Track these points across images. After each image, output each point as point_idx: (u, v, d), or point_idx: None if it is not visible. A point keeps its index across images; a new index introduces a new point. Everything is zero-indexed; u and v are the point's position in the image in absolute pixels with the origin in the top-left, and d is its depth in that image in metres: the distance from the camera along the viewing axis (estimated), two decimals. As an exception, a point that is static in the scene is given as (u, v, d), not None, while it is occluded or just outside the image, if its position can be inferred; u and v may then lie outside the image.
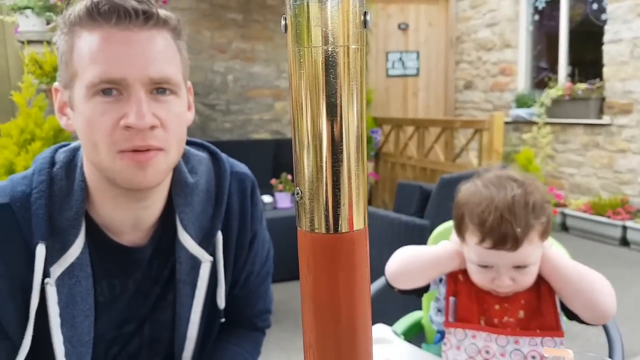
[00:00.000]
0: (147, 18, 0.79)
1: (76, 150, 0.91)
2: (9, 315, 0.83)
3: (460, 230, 1.08)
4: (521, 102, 5.87)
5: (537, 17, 5.89)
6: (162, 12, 0.81)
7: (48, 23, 3.43)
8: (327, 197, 0.43)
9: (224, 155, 1.03)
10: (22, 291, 0.83)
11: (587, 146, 5.26)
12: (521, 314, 1.06)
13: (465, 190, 1.09)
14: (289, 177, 3.96)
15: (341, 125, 0.43)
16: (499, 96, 6.26)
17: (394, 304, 2.12)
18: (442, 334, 1.20)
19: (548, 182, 5.56)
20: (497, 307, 1.07)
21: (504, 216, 0.98)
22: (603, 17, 5.08)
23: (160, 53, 0.80)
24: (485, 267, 1.04)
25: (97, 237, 0.89)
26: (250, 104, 5.68)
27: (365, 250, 0.46)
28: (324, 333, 0.45)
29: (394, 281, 1.17)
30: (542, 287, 1.07)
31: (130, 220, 0.91)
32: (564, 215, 5.14)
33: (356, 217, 0.45)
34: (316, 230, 0.44)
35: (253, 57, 5.65)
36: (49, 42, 3.21)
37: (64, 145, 0.93)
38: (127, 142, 0.78)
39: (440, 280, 1.17)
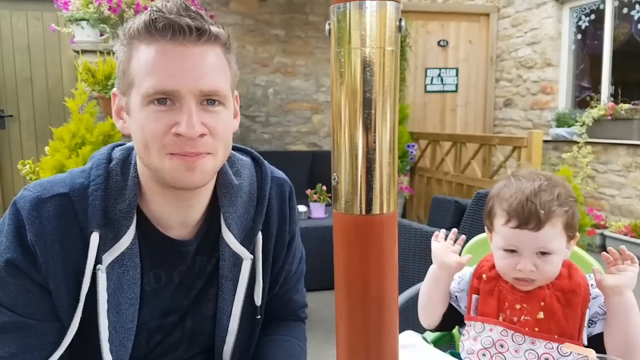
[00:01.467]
0: (200, 34, 0.84)
1: (131, 149, 0.98)
2: (61, 298, 0.88)
3: (489, 217, 1.15)
4: (562, 121, 5.78)
5: (579, 36, 5.82)
6: (214, 29, 0.87)
7: (101, 34, 3.61)
8: (360, 182, 0.49)
9: (265, 161, 1.10)
10: (75, 276, 0.88)
11: (629, 167, 5.13)
12: (541, 314, 1.08)
13: (496, 187, 1.16)
14: (324, 188, 4.02)
15: (375, 118, 0.49)
16: (539, 114, 6.19)
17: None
18: None
19: (588, 203, 5.44)
20: (517, 306, 1.11)
21: (529, 199, 1.06)
22: (649, 36, 4.99)
23: (211, 67, 0.86)
24: (510, 251, 1.09)
25: (147, 230, 0.95)
26: (288, 116, 5.80)
27: (394, 231, 0.51)
28: (355, 304, 0.50)
29: (426, 325, 1.25)
30: (574, 297, 1.08)
31: (177, 216, 0.97)
32: (603, 236, 5.02)
33: (386, 201, 0.50)
34: (350, 212, 0.49)
35: (293, 72, 5.78)
36: (101, 52, 3.37)
37: (120, 145, 1.01)
38: (177, 147, 0.84)
39: (456, 297, 1.23)
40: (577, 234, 1.12)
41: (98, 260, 0.88)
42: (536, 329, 1.07)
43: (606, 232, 5.00)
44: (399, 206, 5.58)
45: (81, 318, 0.89)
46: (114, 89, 0.95)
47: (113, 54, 3.31)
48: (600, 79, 5.57)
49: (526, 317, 1.09)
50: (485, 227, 1.18)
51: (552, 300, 1.09)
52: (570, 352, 1.02)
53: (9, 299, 0.86)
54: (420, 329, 1.35)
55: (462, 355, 1.15)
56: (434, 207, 3.47)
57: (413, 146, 5.52)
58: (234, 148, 1.07)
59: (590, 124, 5.33)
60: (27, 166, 3.14)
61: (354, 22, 0.48)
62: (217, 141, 0.88)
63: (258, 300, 1.05)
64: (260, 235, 1.03)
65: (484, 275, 1.18)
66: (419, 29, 6.31)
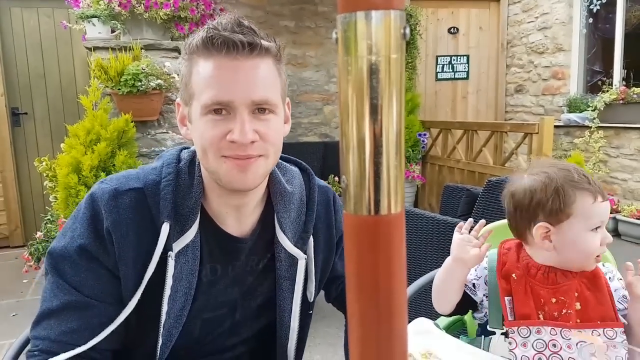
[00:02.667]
0: (252, 49, 0.91)
1: (196, 154, 1.06)
2: (127, 280, 0.97)
3: (560, 212, 1.11)
4: (573, 106, 5.74)
5: (591, 20, 5.75)
6: (265, 43, 0.94)
7: (113, 31, 3.64)
8: (368, 185, 0.51)
9: (312, 171, 1.19)
10: (143, 263, 0.96)
11: (643, 151, 5.10)
12: (577, 305, 1.09)
13: (518, 191, 1.17)
14: (336, 178, 4.04)
15: (382, 123, 0.51)
16: (550, 100, 6.14)
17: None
18: (482, 328, 1.25)
19: (601, 188, 5.40)
20: (553, 300, 1.11)
21: (580, 173, 1.12)
22: (662, 19, 4.93)
23: (262, 79, 0.93)
24: (596, 229, 1.11)
25: (209, 226, 1.04)
26: (300, 107, 5.82)
27: (402, 231, 0.53)
28: (366, 303, 0.53)
29: (440, 310, 1.26)
30: (598, 280, 1.11)
31: (234, 215, 1.05)
32: (616, 220, 5.00)
33: (394, 202, 0.52)
34: (359, 213, 0.52)
35: (304, 63, 5.78)
36: (113, 49, 3.41)
37: (186, 148, 1.10)
38: (230, 150, 0.93)
39: (474, 285, 1.23)
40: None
41: (167, 248, 0.97)
42: (578, 320, 1.08)
43: (618, 217, 4.98)
44: (411, 195, 5.61)
45: (140, 302, 0.97)
46: (178, 99, 1.04)
47: (125, 50, 3.36)
48: (612, 63, 5.51)
49: (568, 311, 1.09)
50: (552, 223, 1.13)
51: (582, 288, 1.10)
52: (616, 333, 1.05)
53: (77, 279, 0.95)
54: (433, 315, 1.38)
55: None
56: (445, 196, 3.47)
57: (425, 135, 5.52)
58: (285, 159, 1.17)
59: (602, 109, 5.29)
60: (44, 163, 3.20)
61: (359, 32, 0.50)
62: (268, 145, 0.96)
63: (311, 297, 1.15)
64: (312, 238, 1.12)
65: (513, 275, 1.16)
66: (429, 16, 6.28)
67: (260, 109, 0.94)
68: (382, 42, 0.51)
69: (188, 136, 1.02)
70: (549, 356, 1.06)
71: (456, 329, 1.52)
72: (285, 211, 1.09)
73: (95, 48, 3.44)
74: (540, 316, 1.11)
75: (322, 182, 1.22)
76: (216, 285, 1.07)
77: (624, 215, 4.96)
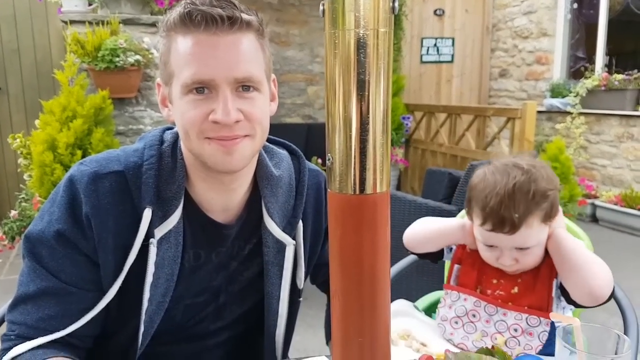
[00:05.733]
0: (232, 23, 0.87)
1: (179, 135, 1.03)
2: (107, 267, 0.94)
3: (468, 211, 1.16)
4: (556, 91, 5.78)
5: (575, 5, 5.77)
6: (246, 16, 0.89)
7: (90, 4, 3.54)
8: (354, 163, 0.50)
9: (302, 154, 1.16)
10: (123, 249, 0.94)
11: (621, 138, 5.16)
12: (515, 289, 1.13)
13: (475, 177, 1.15)
14: (319, 160, 4.02)
15: (369, 100, 0.49)
16: (533, 85, 6.18)
17: (417, 284, 2.17)
18: None
19: (580, 173, 5.48)
20: (494, 281, 1.15)
21: (503, 202, 1.05)
22: (645, 6, 4.96)
23: (244, 55, 0.89)
24: (490, 246, 1.12)
25: (192, 211, 1.00)
26: (283, 88, 5.74)
27: (387, 210, 0.52)
28: (349, 281, 0.52)
29: (408, 246, 1.29)
30: (542, 269, 1.13)
31: (219, 200, 1.02)
32: (594, 206, 5.08)
33: (379, 181, 0.51)
34: (344, 192, 0.50)
35: (287, 41, 5.70)
36: (90, 23, 3.31)
37: (170, 128, 1.05)
38: (214, 132, 0.89)
39: (451, 249, 1.26)
40: (560, 209, 1.14)
41: (149, 235, 0.94)
42: (510, 303, 1.12)
43: (597, 202, 5.06)
44: (393, 178, 5.62)
45: (121, 288, 0.95)
46: (158, 79, 0.99)
47: (102, 24, 3.27)
48: (595, 49, 5.55)
49: (500, 292, 1.14)
50: (467, 215, 1.19)
51: (528, 276, 1.13)
52: (540, 322, 1.08)
53: (55, 264, 0.92)
54: (411, 298, 1.39)
55: (437, 321, 1.21)
56: (428, 179, 3.48)
57: (408, 118, 5.51)
58: (272, 141, 1.13)
59: (584, 95, 5.34)
60: (18, 140, 3.12)
61: (347, 4, 0.48)
62: (254, 124, 0.92)
63: (300, 283, 1.13)
64: (301, 223, 1.09)
65: (467, 248, 1.22)
66: (415, -3, 6.23)
67: (244, 86, 0.90)
68: (370, 14, 0.49)
69: (170, 118, 0.98)
70: (465, 323, 1.15)
71: (434, 310, 1.53)
72: (273, 195, 1.05)
73: (72, 22, 3.34)
74: (478, 290, 1.17)
75: (313, 166, 1.18)
76: (199, 271, 1.05)
77: (602, 201, 5.04)
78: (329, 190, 0.52)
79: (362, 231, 0.51)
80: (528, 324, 1.09)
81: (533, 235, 1.07)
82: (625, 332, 1.21)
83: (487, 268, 1.17)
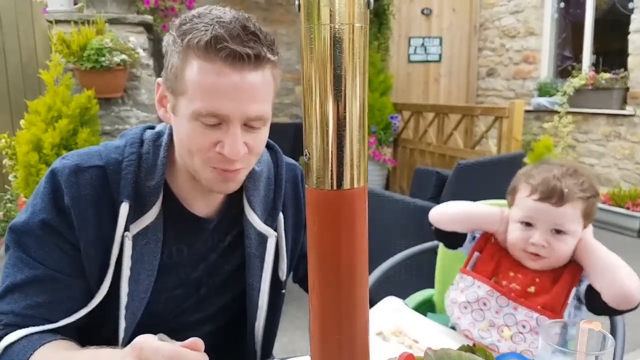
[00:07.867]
0: (257, 62, 0.87)
1: (161, 135, 1.04)
2: (91, 263, 0.95)
3: (512, 193, 1.21)
4: (543, 90, 5.82)
5: (562, 4, 5.81)
6: (269, 53, 0.89)
7: (75, 3, 3.51)
8: (331, 158, 0.49)
9: (279, 148, 1.18)
10: (104, 243, 0.95)
11: (609, 136, 5.21)
12: (532, 289, 1.13)
13: (525, 167, 1.22)
14: (308, 159, 4.01)
15: (345, 95, 0.49)
16: (521, 84, 6.21)
17: (407, 282, 2.17)
18: None
19: (567, 172, 5.52)
20: (511, 273, 1.16)
21: (556, 177, 1.12)
22: (630, 5, 5.00)
23: (260, 93, 0.90)
24: (526, 224, 1.14)
25: (174, 206, 1.02)
26: (271, 87, 5.72)
27: (365, 205, 0.52)
28: (326, 277, 0.51)
29: (436, 220, 1.29)
30: (564, 274, 1.14)
31: (202, 199, 1.05)
32: (582, 205, 5.11)
33: (357, 176, 0.50)
34: (322, 187, 0.50)
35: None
36: (76, 22, 3.28)
37: (151, 127, 1.07)
38: (219, 163, 0.92)
39: (473, 238, 1.28)
40: (590, 225, 1.17)
41: (126, 229, 0.96)
42: (523, 299, 1.12)
43: (585, 201, 5.09)
44: (382, 178, 5.63)
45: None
46: (160, 79, 0.97)
47: (88, 24, 3.24)
48: (582, 48, 5.59)
49: (516, 286, 1.14)
50: (507, 204, 1.23)
51: (546, 280, 1.14)
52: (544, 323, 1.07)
53: (41, 252, 0.93)
54: (401, 297, 1.39)
55: (446, 302, 1.22)
56: (416, 179, 3.49)
57: (396, 117, 5.52)
58: None
59: (572, 94, 5.38)
60: (3, 140, 3.09)
61: (323, -2, 0.47)
62: (253, 156, 0.96)
63: (283, 275, 1.15)
64: (281, 215, 1.12)
65: (492, 238, 1.24)
66: (403, -4, 6.24)
67: (253, 121, 0.92)
68: (345, 9, 0.48)
69: (167, 120, 0.98)
70: (474, 309, 1.15)
71: (424, 309, 1.53)
72: (254, 189, 1.08)
73: (57, 21, 3.31)
74: (493, 280, 1.18)
75: (290, 160, 1.21)
76: (181, 265, 1.06)
77: (589, 199, 5.07)
78: (306, 186, 0.52)
79: (340, 226, 0.51)
80: (538, 323, 1.09)
81: (574, 219, 1.11)
82: (612, 332, 1.22)
83: (506, 261, 1.19)
